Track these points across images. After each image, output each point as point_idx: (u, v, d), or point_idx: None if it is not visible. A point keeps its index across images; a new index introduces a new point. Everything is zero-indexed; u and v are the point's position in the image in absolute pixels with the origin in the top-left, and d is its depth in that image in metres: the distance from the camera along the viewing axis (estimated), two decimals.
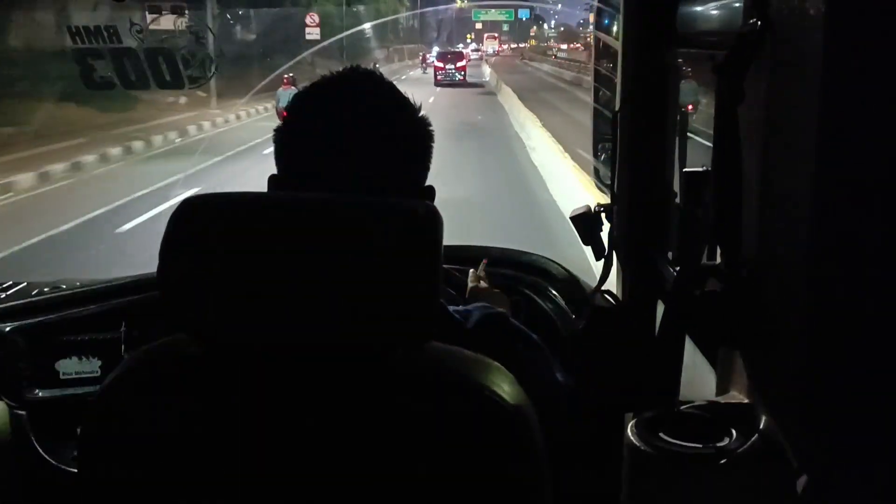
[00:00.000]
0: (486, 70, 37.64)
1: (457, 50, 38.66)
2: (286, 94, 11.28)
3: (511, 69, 41.75)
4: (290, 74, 11.50)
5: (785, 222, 0.84)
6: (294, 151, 0.94)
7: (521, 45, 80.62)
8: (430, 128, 0.98)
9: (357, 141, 0.91)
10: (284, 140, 0.94)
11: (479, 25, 75.36)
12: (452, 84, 29.97)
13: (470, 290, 1.37)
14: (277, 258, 0.73)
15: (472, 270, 1.43)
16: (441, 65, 31.87)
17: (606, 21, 2.07)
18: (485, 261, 1.50)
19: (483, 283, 1.40)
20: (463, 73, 31.55)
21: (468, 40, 72.88)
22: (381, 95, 0.96)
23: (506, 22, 73.31)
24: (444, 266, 0.77)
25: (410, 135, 0.96)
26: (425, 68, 37.79)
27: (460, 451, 0.74)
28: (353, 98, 0.94)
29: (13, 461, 1.59)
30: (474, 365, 0.79)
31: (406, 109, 0.96)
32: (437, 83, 30.14)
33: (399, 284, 0.72)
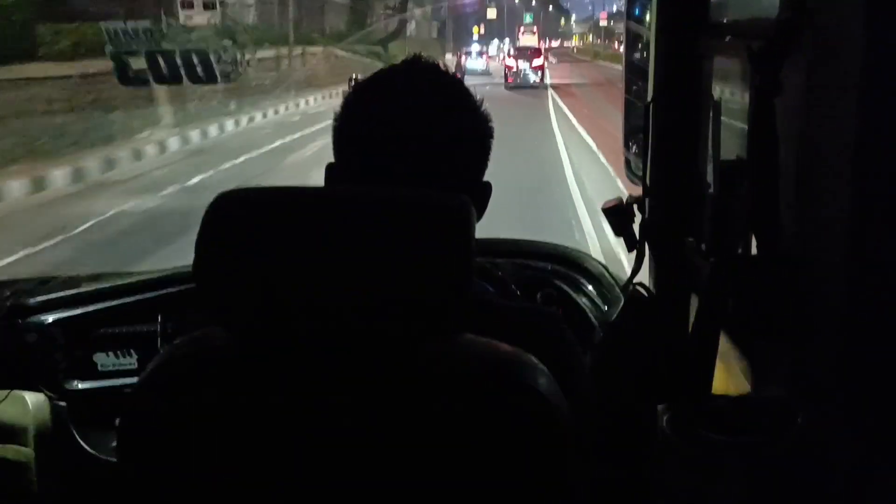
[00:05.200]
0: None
1: (534, 46, 32.88)
2: None
3: None
4: None
5: (823, 214, 0.83)
6: (351, 142, 0.93)
7: (566, 44, 65.14)
8: (491, 124, 0.96)
9: (415, 135, 0.90)
10: (342, 130, 0.93)
11: (491, 14, 59.56)
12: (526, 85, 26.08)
13: None
14: (309, 251, 0.73)
15: None
16: (513, 64, 27.95)
17: (637, 10, 2.04)
18: None
19: None
20: (540, 73, 27.64)
21: (475, 36, 52.50)
22: (443, 88, 0.94)
23: (527, 12, 60.65)
24: (478, 259, 0.77)
25: (470, 131, 0.94)
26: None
27: (491, 442, 0.75)
28: (414, 91, 0.92)
29: (54, 451, 1.63)
30: (508, 357, 0.78)
31: (468, 104, 0.94)
32: (509, 85, 26.44)
33: (429, 276, 0.72)
